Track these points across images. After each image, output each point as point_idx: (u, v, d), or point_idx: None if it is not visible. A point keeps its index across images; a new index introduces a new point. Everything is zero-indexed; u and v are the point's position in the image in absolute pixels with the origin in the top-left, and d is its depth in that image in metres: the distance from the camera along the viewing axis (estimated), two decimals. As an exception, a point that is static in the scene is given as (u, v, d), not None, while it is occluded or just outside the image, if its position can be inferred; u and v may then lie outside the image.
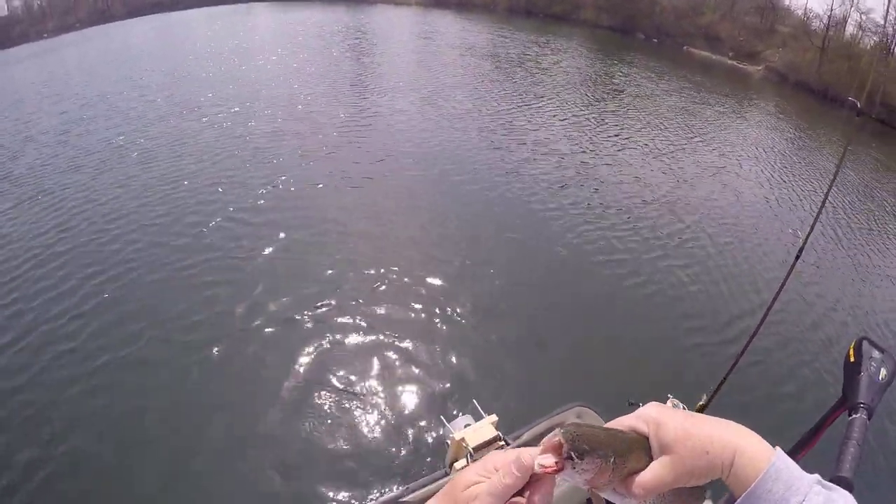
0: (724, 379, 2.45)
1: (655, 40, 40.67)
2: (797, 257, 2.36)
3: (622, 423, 0.68)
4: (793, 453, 1.60)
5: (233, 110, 13.05)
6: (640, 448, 0.65)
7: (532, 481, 0.58)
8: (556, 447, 0.57)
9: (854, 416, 1.24)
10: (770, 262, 7.85)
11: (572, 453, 0.57)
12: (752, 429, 0.64)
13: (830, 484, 0.59)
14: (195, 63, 19.00)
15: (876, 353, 1.36)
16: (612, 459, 0.60)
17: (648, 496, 0.64)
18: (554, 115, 13.42)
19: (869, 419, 1.24)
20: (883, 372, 1.32)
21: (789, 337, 6.36)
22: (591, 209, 8.69)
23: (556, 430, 0.58)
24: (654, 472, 0.63)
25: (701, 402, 2.50)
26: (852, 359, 1.37)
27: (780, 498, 0.57)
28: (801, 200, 10.44)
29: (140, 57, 21.69)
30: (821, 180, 11.30)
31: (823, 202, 2.60)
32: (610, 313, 6.46)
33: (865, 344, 1.38)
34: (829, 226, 9.39)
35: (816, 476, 0.60)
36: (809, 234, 2.57)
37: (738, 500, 0.59)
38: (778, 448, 0.62)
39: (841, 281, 8.01)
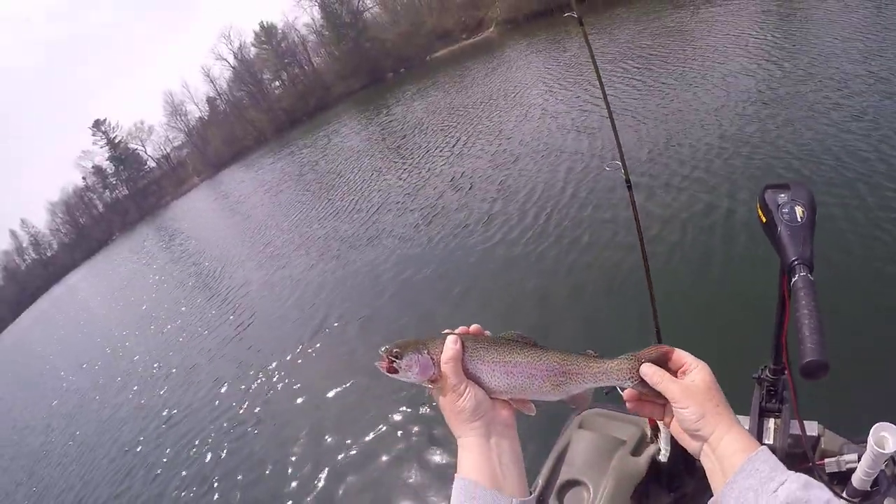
0: (658, 331, 2.24)
1: (403, 70, 44.37)
2: (629, 188, 2.17)
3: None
4: (776, 347, 1.48)
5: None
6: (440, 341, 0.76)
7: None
8: (382, 359, 0.75)
9: (794, 278, 1.04)
10: (609, 206, 6.81)
11: (390, 357, 0.74)
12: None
13: (813, 481, 0.64)
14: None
15: (782, 196, 1.17)
16: (425, 351, 0.74)
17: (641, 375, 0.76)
18: (387, 189, 12.81)
19: (811, 271, 1.05)
20: (799, 210, 1.14)
21: (688, 255, 5.20)
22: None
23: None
24: (656, 371, 0.75)
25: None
26: (763, 219, 1.19)
27: (766, 476, 0.64)
28: (595, 123, 9.95)
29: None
30: (595, 91, 11.29)
31: (610, 114, 2.34)
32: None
33: (768, 193, 1.19)
34: (632, 129, 8.59)
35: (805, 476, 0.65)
36: (622, 155, 2.32)
37: (734, 474, 0.67)
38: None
39: (683, 166, 6.85)
